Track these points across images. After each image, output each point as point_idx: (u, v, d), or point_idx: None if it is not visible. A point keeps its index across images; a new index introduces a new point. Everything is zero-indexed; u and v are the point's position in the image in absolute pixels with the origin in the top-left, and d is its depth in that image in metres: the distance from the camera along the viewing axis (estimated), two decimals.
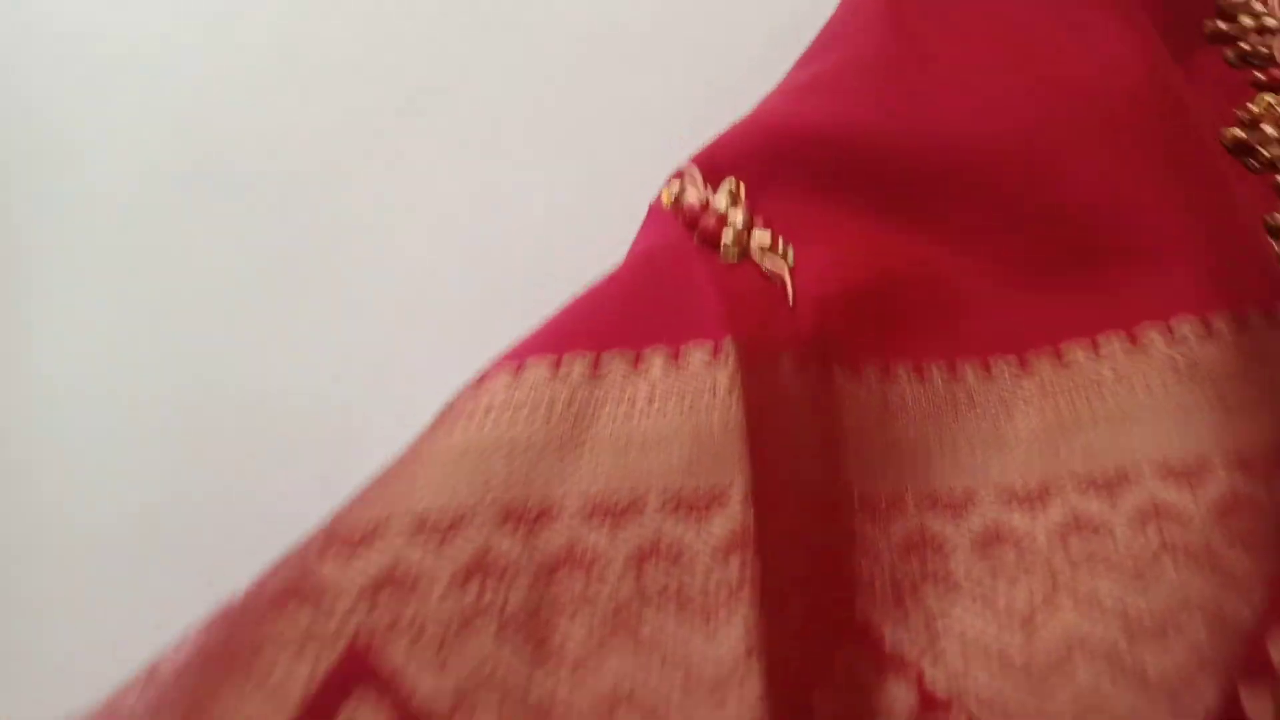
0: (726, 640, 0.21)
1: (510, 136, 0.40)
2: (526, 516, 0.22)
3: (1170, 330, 0.27)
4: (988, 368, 0.28)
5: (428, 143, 0.40)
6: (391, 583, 0.21)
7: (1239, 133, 0.38)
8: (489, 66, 0.41)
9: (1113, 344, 0.27)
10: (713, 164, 0.30)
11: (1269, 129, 0.38)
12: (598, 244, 0.29)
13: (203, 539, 0.33)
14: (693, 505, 0.23)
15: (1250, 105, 0.39)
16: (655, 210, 0.29)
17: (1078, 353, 0.27)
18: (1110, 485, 0.25)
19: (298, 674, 0.20)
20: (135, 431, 0.36)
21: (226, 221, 0.39)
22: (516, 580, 0.21)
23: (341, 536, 0.21)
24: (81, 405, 0.36)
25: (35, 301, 0.38)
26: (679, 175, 0.30)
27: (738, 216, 0.28)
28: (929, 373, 0.28)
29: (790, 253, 0.28)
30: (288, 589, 0.20)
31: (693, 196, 0.29)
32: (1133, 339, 0.27)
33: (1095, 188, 0.29)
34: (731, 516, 0.22)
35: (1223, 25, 0.40)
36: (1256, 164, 0.38)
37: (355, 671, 0.20)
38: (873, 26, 0.33)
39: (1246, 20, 0.40)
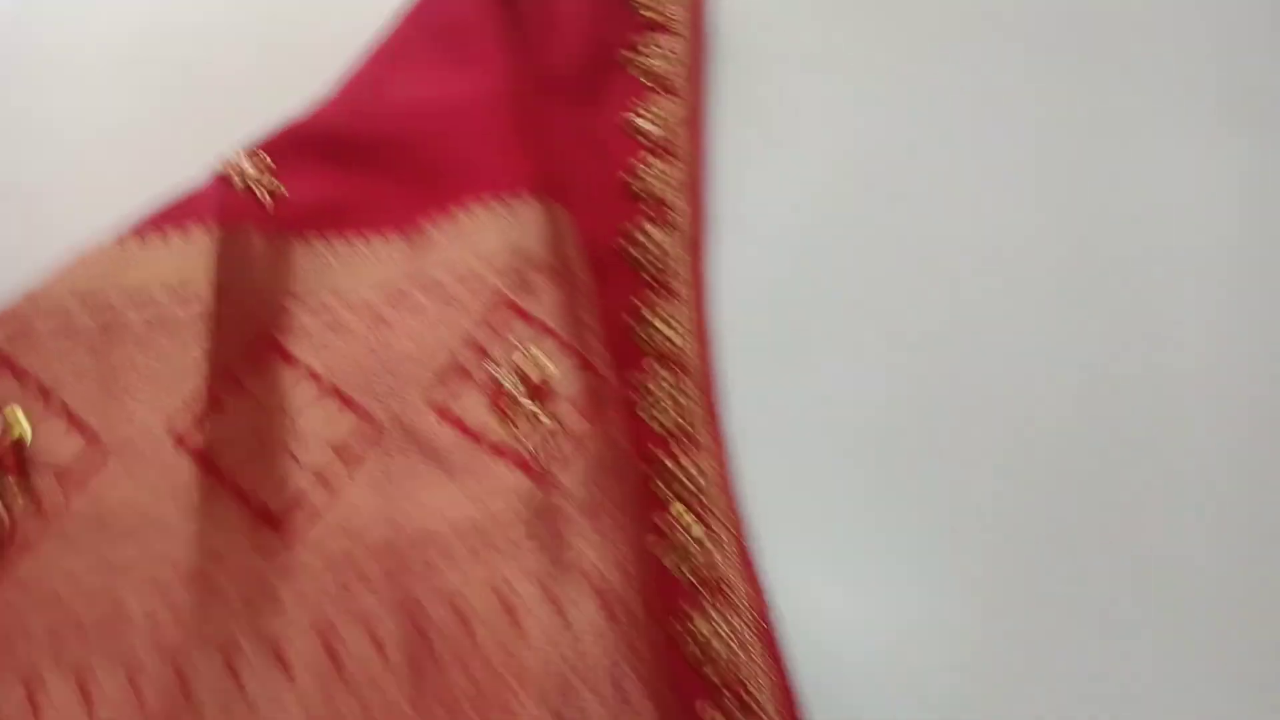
0: (182, 357, 0.45)
1: None
2: (91, 302, 0.45)
3: (465, 208, 0.51)
4: (384, 235, 0.52)
5: None
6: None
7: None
8: None
9: (439, 219, 0.52)
10: (254, 145, 0.54)
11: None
12: None
13: None
14: (184, 299, 0.46)
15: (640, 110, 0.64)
16: (212, 173, 0.53)
17: (425, 224, 0.52)
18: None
19: None
20: None
21: None
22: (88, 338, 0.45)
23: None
24: None
25: None
26: (235, 153, 0.54)
27: (250, 169, 0.52)
28: (352, 239, 0.52)
29: (279, 187, 0.52)
30: None
31: (234, 160, 0.53)
32: (449, 215, 0.52)
33: (450, 147, 0.54)
34: (203, 303, 0.46)
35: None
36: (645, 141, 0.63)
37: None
38: (362, 66, 0.58)
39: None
